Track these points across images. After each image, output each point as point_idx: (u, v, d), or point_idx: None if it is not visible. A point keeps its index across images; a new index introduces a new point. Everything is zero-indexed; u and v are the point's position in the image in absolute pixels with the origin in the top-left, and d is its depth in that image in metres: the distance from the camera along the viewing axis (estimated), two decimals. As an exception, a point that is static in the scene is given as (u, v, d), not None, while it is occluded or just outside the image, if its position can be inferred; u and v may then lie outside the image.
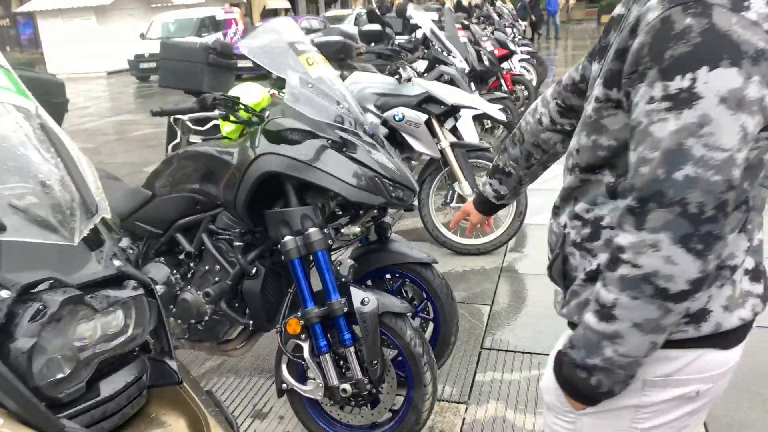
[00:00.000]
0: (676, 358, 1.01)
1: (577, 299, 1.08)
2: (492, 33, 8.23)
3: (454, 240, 3.92)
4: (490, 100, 4.93)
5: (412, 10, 3.74)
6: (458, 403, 2.49)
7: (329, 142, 2.04)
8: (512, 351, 2.81)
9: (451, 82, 3.86)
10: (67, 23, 21.02)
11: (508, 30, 9.22)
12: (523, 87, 7.28)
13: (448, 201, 3.89)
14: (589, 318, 0.97)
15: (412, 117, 3.68)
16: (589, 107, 1.02)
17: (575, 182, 1.08)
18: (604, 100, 0.98)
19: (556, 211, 1.15)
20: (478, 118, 4.71)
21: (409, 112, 3.68)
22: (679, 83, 0.84)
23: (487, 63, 5.51)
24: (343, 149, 2.07)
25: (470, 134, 4.37)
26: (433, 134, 3.75)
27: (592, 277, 1.04)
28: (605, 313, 0.93)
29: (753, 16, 0.83)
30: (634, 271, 0.88)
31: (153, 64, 17.08)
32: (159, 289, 2.30)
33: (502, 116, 3.94)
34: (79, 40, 20.56)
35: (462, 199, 3.85)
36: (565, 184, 1.11)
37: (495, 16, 9.24)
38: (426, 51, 3.80)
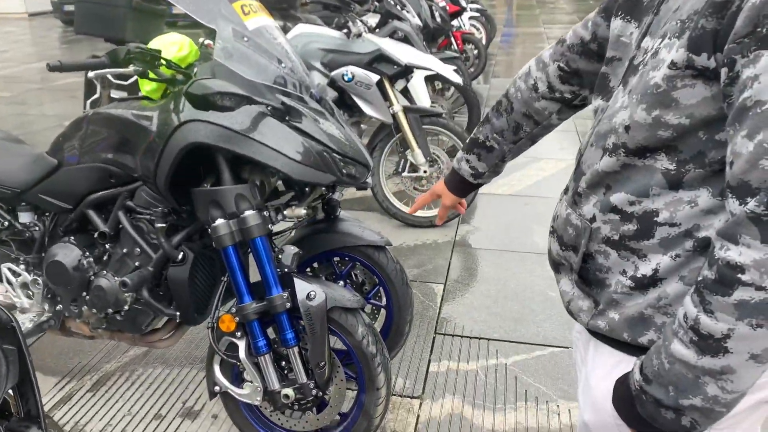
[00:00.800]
0: None
1: (620, 311, 0.92)
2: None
3: (405, 212, 3.68)
4: (442, 60, 4.65)
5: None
6: (411, 398, 2.28)
7: (269, 108, 1.73)
8: (467, 336, 2.61)
9: (405, 39, 3.55)
10: (-18, -43, 19.20)
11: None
12: (473, 46, 6.99)
13: (399, 170, 3.62)
14: (681, 350, 0.78)
15: (362, 77, 3.36)
16: (657, 74, 0.81)
17: (614, 166, 0.89)
18: (683, 67, 0.78)
19: (576, 198, 0.97)
20: (429, 80, 4.43)
21: (359, 72, 3.36)
22: None
23: (438, 20, 5.19)
24: (286, 117, 1.77)
25: (423, 97, 4.09)
26: (385, 97, 3.45)
27: (644, 284, 0.88)
28: (712, 345, 0.75)
29: None
30: (760, 294, 0.70)
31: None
32: (71, 272, 1.97)
33: (458, 78, 3.67)
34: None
35: (414, 167, 3.59)
36: (598, 167, 0.92)
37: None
38: (378, 4, 3.47)
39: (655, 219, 0.86)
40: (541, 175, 4.53)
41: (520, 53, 9.79)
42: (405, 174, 3.62)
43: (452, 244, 3.51)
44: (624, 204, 0.88)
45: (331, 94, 3.44)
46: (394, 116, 3.48)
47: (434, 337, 2.63)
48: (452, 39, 6.32)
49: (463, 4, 6.52)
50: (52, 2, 16.31)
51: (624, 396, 0.87)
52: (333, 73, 3.40)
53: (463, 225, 3.77)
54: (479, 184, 1.37)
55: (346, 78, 3.38)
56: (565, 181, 4.31)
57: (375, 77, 3.37)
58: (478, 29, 8.33)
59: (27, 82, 8.58)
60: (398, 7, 3.38)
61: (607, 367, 0.96)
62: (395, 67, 3.37)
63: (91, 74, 1.75)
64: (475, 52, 7.05)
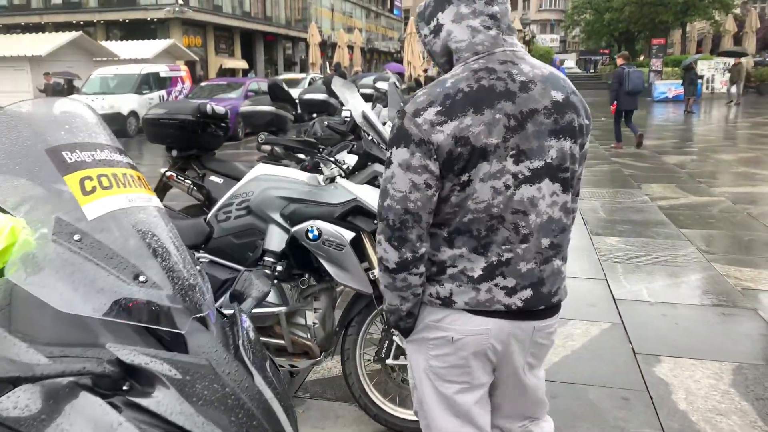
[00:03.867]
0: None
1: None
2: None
3: (393, 412, 2.73)
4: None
5: (338, 85, 2.68)
6: None
7: (85, 374, 0.88)
8: None
9: None
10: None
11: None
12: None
13: (383, 354, 2.72)
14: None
15: (332, 235, 2.55)
16: None
17: None
18: None
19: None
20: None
21: (327, 228, 2.55)
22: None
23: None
24: (122, 388, 0.92)
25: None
26: (363, 258, 2.63)
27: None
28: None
29: (420, 120, 1.46)
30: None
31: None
32: None
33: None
34: (9, 92, 19.07)
35: (403, 351, 2.70)
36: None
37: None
38: (354, 143, 2.73)
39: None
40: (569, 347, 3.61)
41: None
42: (390, 361, 2.71)
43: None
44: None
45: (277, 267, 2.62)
46: (374, 283, 2.64)
47: None
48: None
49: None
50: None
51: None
52: (294, 229, 2.60)
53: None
54: None
55: (311, 235, 2.57)
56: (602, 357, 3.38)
57: (349, 234, 2.57)
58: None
59: None
60: (382, 146, 2.66)
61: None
62: (375, 221, 2.56)
63: None
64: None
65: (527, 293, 1.55)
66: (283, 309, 2.60)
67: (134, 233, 1.17)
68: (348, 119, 3.71)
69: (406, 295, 1.56)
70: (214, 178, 4.18)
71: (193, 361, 1.07)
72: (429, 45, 1.62)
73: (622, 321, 3.89)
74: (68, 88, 17.67)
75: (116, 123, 14.68)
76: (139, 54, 22.03)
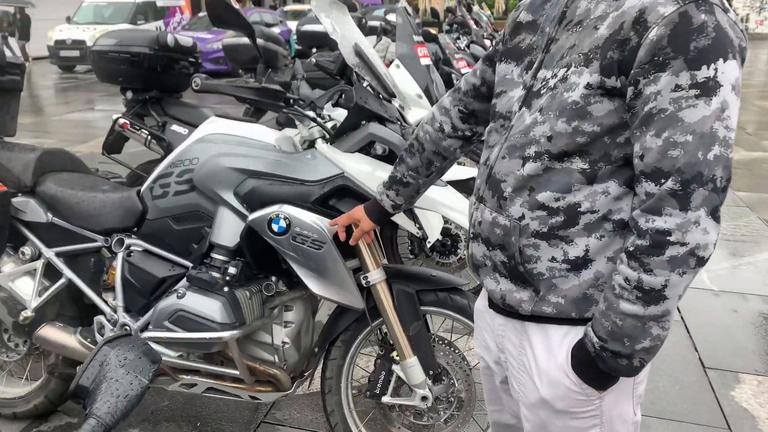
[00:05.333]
0: None
1: (562, 294, 1.09)
2: (467, 46, 6.38)
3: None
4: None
5: (319, 5, 1.78)
6: None
7: None
8: None
9: (390, 155, 1.91)
10: (-13, -1, 18.39)
11: (487, 42, 7.35)
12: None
13: (377, 389, 1.96)
14: (629, 307, 0.99)
15: (306, 227, 1.76)
16: (572, 94, 1.03)
17: (537, 170, 1.08)
18: (596, 87, 1.01)
19: (502, 203, 1.13)
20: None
21: (300, 217, 1.76)
22: (705, 72, 0.93)
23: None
24: None
25: (435, 233, 2.49)
26: (348, 255, 1.84)
27: (578, 264, 1.07)
28: (654, 296, 0.98)
29: (733, 17, 0.98)
30: (682, 249, 0.95)
31: (76, 53, 14.80)
32: None
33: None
34: (-2, 19, 17.98)
35: (407, 389, 1.94)
36: (522, 172, 1.09)
37: (472, 24, 7.33)
38: (344, 92, 1.86)
39: (578, 209, 1.06)
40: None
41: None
42: (388, 399, 1.96)
43: None
44: (550, 201, 1.07)
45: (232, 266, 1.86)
46: (369, 290, 1.87)
47: None
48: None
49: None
50: (49, 47, 15.28)
51: (583, 359, 1.07)
52: (252, 217, 1.80)
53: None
54: (394, 213, 1.54)
55: (275, 226, 1.77)
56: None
57: (332, 228, 1.77)
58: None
59: None
60: (380, 97, 1.80)
61: (556, 340, 1.11)
62: (370, 209, 1.75)
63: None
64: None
65: None
66: (234, 334, 1.83)
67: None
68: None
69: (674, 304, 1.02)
70: (176, 128, 3.35)
71: None
72: None
73: (683, 319, 3.12)
74: (21, 19, 16.68)
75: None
76: (137, -19, 20.68)
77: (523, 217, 1.10)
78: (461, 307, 1.92)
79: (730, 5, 1.03)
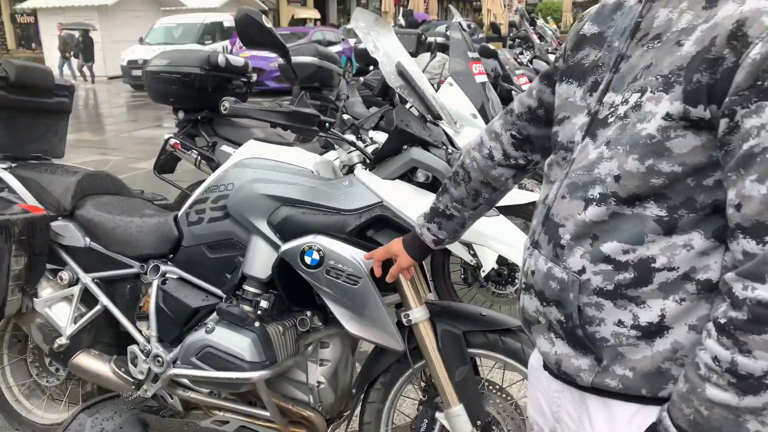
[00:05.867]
0: None
1: (629, 365, 0.90)
2: (530, 61, 6.17)
3: None
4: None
5: (359, 20, 1.64)
6: None
7: None
8: None
9: (434, 182, 1.73)
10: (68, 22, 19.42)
11: (551, 57, 7.10)
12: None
13: (418, 438, 1.79)
14: (719, 394, 0.78)
15: (341, 260, 1.62)
16: (648, 126, 0.84)
17: (603, 215, 0.90)
18: (678, 118, 0.82)
19: (558, 251, 0.95)
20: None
21: (334, 250, 1.62)
22: None
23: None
24: None
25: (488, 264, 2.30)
26: (387, 287, 1.69)
27: (651, 332, 0.88)
28: (753, 384, 0.76)
29: None
30: None
31: (148, 72, 15.39)
32: None
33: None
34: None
35: (448, 436, 1.77)
36: (584, 217, 0.91)
37: (535, 39, 7.10)
38: (383, 117, 1.70)
39: (653, 265, 0.87)
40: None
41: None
42: (429, 448, 1.79)
43: None
44: (617, 253, 0.89)
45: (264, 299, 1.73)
46: (411, 329, 1.70)
47: None
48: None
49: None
50: (122, 67, 15.96)
51: None
52: (284, 248, 1.68)
53: None
54: (437, 249, 1.39)
55: (308, 259, 1.64)
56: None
57: (368, 262, 1.62)
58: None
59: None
60: (425, 121, 1.64)
61: (622, 420, 0.93)
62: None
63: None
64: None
65: None
66: (263, 374, 1.70)
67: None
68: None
69: None
70: (226, 148, 3.30)
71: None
72: None
73: None
74: (84, 41, 17.39)
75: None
76: (206, 3, 21.42)
77: (583, 270, 0.92)
78: (514, 350, 1.73)
79: None
